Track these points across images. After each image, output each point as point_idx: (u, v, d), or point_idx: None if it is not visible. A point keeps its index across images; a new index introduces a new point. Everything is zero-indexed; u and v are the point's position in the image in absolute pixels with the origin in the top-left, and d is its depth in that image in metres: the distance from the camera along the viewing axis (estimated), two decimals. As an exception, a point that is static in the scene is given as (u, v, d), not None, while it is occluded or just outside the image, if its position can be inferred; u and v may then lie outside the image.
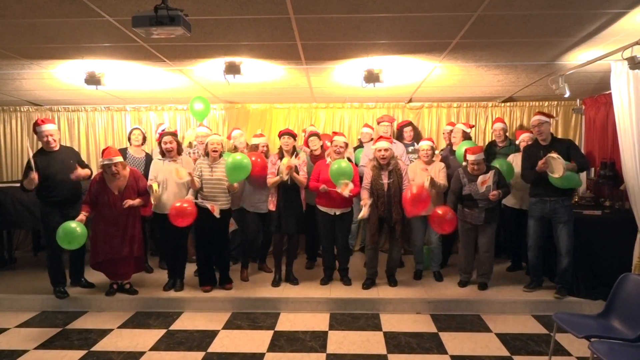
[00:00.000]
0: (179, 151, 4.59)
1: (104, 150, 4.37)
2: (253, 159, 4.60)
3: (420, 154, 4.84)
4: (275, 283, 4.72)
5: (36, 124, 4.28)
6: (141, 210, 4.52)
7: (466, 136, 5.21)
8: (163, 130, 5.47)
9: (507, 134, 5.52)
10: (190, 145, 5.53)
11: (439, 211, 4.13)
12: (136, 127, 5.53)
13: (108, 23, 3.01)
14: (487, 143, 5.80)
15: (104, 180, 4.28)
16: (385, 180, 4.44)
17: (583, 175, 5.59)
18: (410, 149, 5.59)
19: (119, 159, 4.27)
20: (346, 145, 4.65)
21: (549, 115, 4.43)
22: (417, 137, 5.94)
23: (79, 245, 3.99)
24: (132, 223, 4.37)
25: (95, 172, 4.62)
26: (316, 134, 5.20)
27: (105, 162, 4.20)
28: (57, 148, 4.35)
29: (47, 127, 4.25)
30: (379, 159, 4.45)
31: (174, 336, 3.88)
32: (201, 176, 4.41)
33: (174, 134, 4.64)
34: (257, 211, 4.87)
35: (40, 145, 4.39)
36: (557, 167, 3.98)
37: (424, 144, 4.81)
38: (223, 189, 4.43)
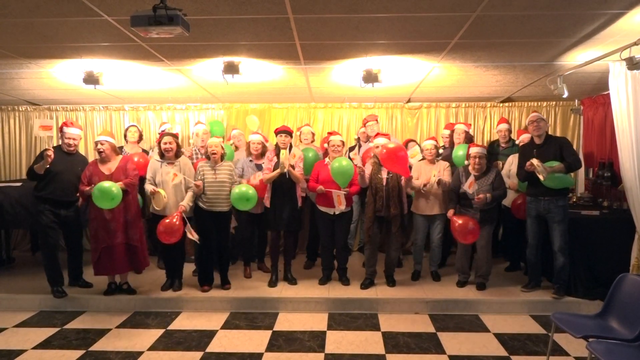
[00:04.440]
0: (177, 154, 4.51)
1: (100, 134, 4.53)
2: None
3: (424, 153, 4.86)
4: (272, 283, 4.71)
5: (65, 124, 4.45)
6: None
7: (468, 137, 5.23)
8: (164, 130, 5.48)
9: (512, 135, 5.52)
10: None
11: (460, 221, 4.24)
12: (132, 125, 5.57)
13: (106, 22, 3.00)
14: (489, 143, 5.81)
15: (96, 163, 4.34)
16: (384, 175, 4.45)
17: (581, 176, 5.61)
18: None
19: (108, 139, 4.33)
20: (343, 143, 4.68)
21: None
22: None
23: (116, 203, 4.08)
24: (124, 207, 4.25)
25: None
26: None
27: (97, 139, 4.36)
28: (74, 152, 4.49)
29: (72, 131, 4.44)
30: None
31: (172, 336, 3.88)
32: (203, 179, 4.41)
33: (174, 136, 4.60)
34: (250, 211, 4.86)
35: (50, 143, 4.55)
36: (540, 171, 4.04)
37: (427, 143, 4.84)
38: (227, 191, 4.43)
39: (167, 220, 4.19)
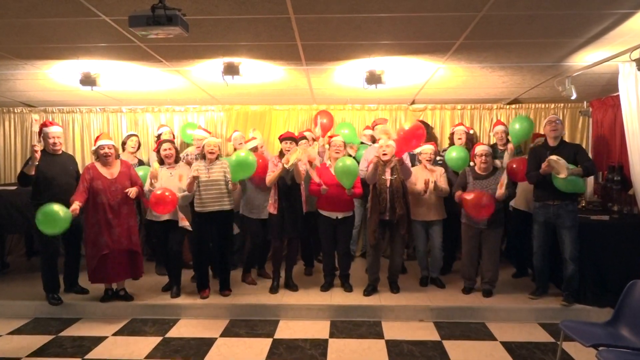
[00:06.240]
0: (177, 159, 4.55)
1: (97, 137, 4.43)
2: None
3: (421, 157, 4.77)
4: (274, 290, 4.63)
5: (44, 125, 4.34)
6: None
7: (469, 138, 5.15)
8: (160, 134, 5.44)
9: (509, 136, 5.44)
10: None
11: (470, 196, 4.16)
12: (134, 134, 5.54)
13: (104, 23, 2.95)
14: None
15: (96, 167, 4.28)
16: (387, 177, 4.37)
17: (590, 179, 5.51)
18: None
19: (113, 143, 4.36)
20: (345, 144, 4.65)
21: None
22: (429, 138, 5.52)
23: (61, 229, 3.85)
24: (127, 212, 4.30)
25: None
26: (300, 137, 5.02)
27: (101, 143, 4.26)
28: (60, 152, 4.41)
29: (55, 130, 4.35)
30: (381, 156, 4.39)
31: (170, 344, 3.80)
32: (198, 180, 4.35)
33: (172, 141, 4.64)
34: (260, 217, 4.78)
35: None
36: (560, 168, 3.91)
37: (426, 148, 4.75)
38: (222, 190, 4.37)
39: (159, 192, 4.13)
